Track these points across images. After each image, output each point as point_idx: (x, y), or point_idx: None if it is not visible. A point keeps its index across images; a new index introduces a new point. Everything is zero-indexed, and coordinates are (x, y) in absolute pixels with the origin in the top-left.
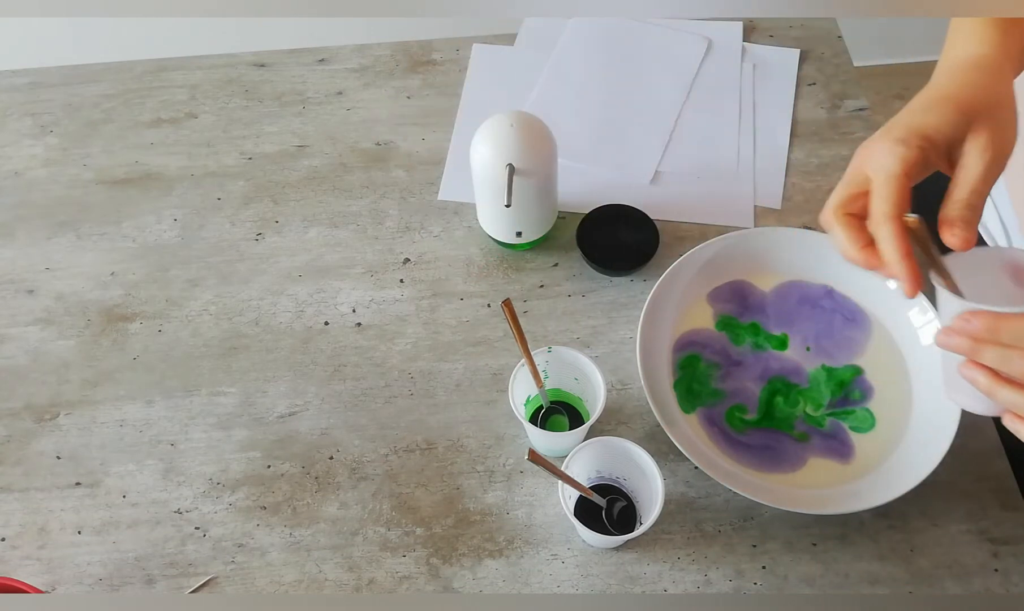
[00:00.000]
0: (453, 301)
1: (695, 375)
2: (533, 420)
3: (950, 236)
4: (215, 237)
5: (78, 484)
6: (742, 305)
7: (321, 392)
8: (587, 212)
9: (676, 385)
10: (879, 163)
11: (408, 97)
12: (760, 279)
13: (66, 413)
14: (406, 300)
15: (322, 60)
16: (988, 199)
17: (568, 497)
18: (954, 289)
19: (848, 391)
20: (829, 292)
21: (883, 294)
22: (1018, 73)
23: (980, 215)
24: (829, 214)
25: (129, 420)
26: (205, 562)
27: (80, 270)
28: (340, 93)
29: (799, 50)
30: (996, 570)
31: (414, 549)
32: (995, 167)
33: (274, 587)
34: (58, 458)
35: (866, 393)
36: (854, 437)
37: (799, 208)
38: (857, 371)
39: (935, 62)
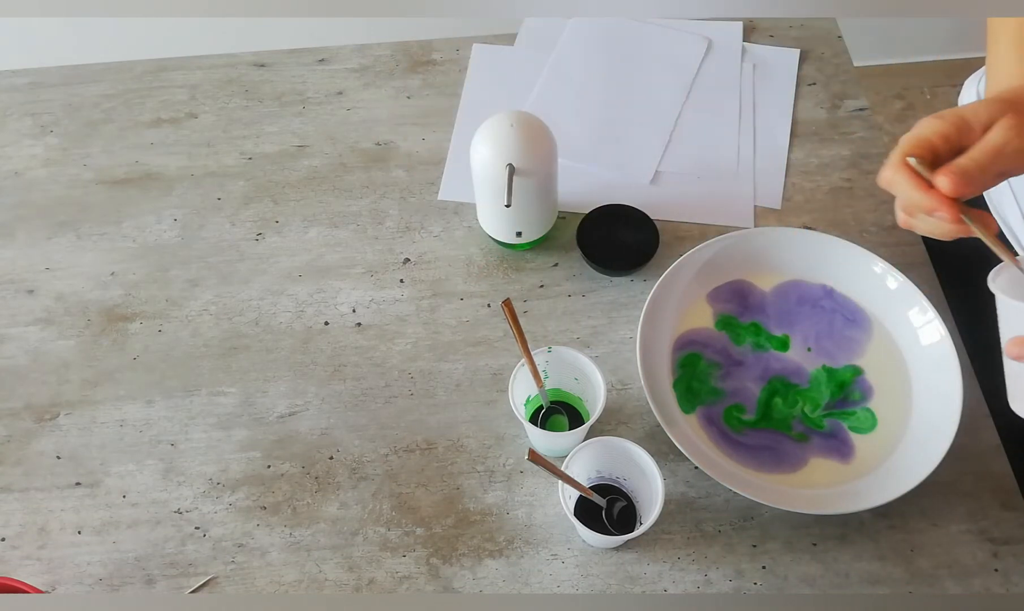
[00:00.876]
0: (453, 301)
1: (695, 374)
2: (533, 420)
3: (942, 177)
4: (215, 237)
5: (78, 484)
6: (742, 305)
7: (321, 392)
8: (587, 212)
9: (676, 384)
10: (913, 130)
11: (408, 97)
12: (760, 279)
13: (66, 413)
14: (406, 300)
15: (322, 60)
16: (1013, 198)
17: (568, 497)
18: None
19: (848, 392)
20: (829, 292)
21: (883, 294)
22: None
23: (979, 180)
24: (890, 168)
25: (129, 420)
26: (205, 562)
27: (80, 270)
28: (340, 93)
29: (799, 50)
30: (996, 570)
31: (414, 549)
32: (1019, 151)
33: (274, 587)
34: (58, 458)
35: (866, 393)
36: (854, 437)
37: (799, 208)
38: (857, 371)
39: (935, 62)
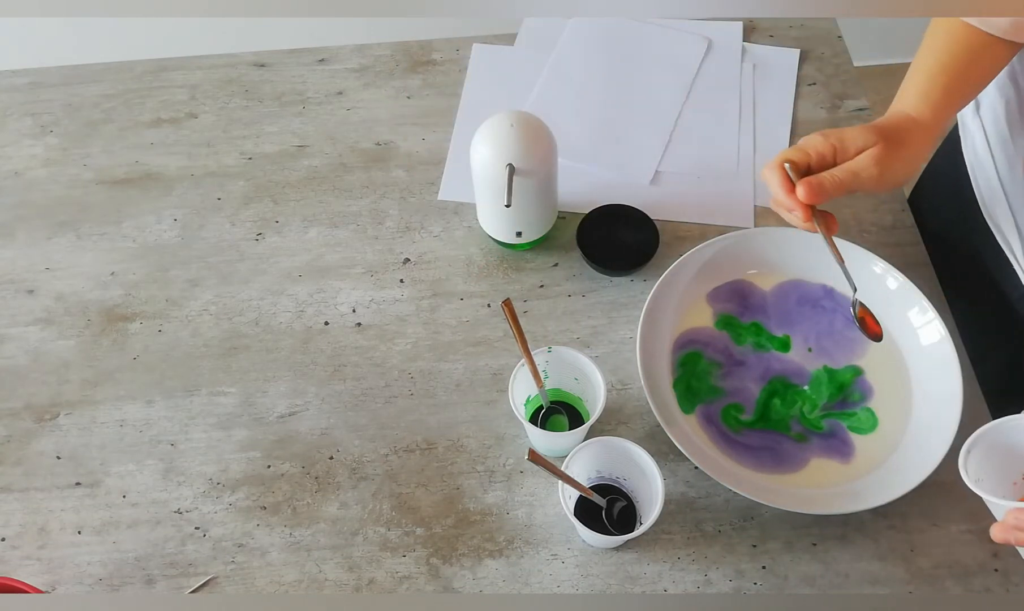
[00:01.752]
0: (453, 301)
1: (695, 372)
2: (533, 420)
3: (800, 186)
4: (215, 237)
5: (78, 484)
6: (742, 305)
7: (321, 392)
8: (587, 212)
9: (676, 384)
10: (800, 140)
11: (408, 97)
12: (760, 279)
13: (66, 413)
14: (406, 300)
15: (322, 60)
16: (1006, 202)
17: (568, 497)
18: (840, 259)
19: (848, 393)
20: (829, 292)
21: (883, 294)
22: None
23: (832, 194)
24: (768, 167)
25: (129, 420)
26: (205, 562)
27: (80, 270)
28: (340, 93)
29: (799, 50)
30: (996, 570)
31: (414, 549)
32: (873, 178)
33: (274, 587)
34: (58, 458)
35: (866, 394)
36: (854, 437)
37: None
38: (857, 372)
39: None
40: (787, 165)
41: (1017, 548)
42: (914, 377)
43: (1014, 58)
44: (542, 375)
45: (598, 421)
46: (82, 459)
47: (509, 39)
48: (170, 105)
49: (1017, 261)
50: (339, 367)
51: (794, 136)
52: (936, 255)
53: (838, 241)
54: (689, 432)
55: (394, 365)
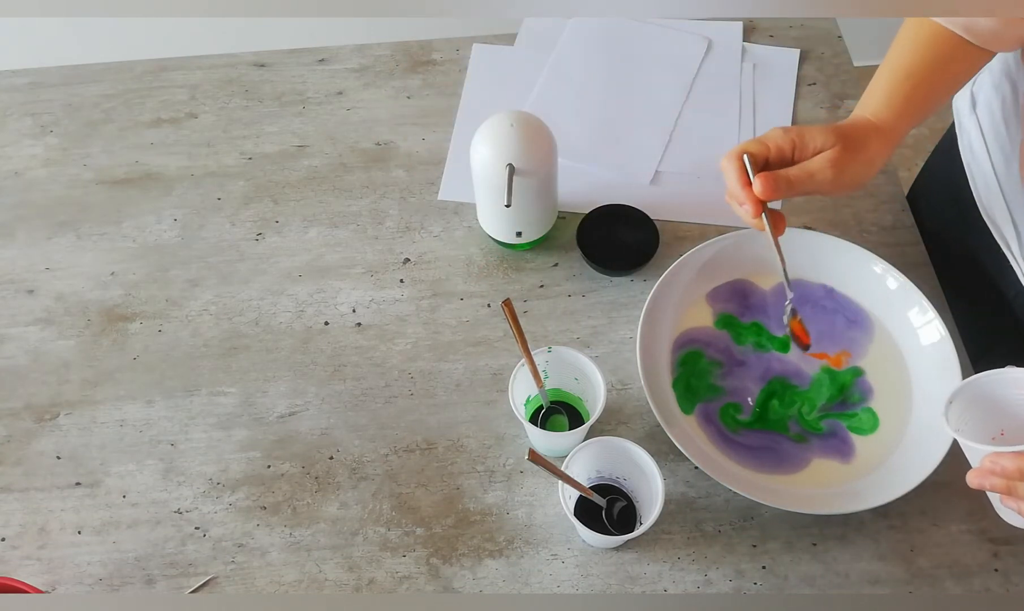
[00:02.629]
0: (453, 301)
1: (694, 371)
2: (533, 420)
3: (757, 179)
4: (215, 237)
5: (78, 484)
6: (743, 305)
7: (321, 392)
8: (587, 212)
9: (675, 383)
10: (762, 134)
11: (408, 97)
12: (760, 279)
13: (66, 413)
14: (406, 300)
15: (322, 60)
16: (1003, 200)
17: (568, 497)
18: (783, 260)
19: (848, 394)
20: (829, 292)
21: (883, 294)
22: (902, 136)
23: (786, 192)
24: (727, 157)
25: (129, 420)
26: (205, 562)
27: (80, 270)
28: (340, 93)
29: (799, 50)
30: (996, 570)
31: (414, 549)
32: (828, 181)
33: (274, 587)
34: (58, 458)
35: (865, 394)
36: (855, 437)
37: (799, 208)
38: (857, 373)
39: None
40: (745, 157)
41: (993, 503)
42: (914, 377)
43: (1010, 55)
44: (542, 375)
45: (598, 421)
46: (82, 459)
47: (509, 39)
48: (170, 105)
49: (1015, 258)
50: (339, 367)
51: None
52: (935, 254)
53: (834, 238)
54: (689, 432)
55: (394, 365)
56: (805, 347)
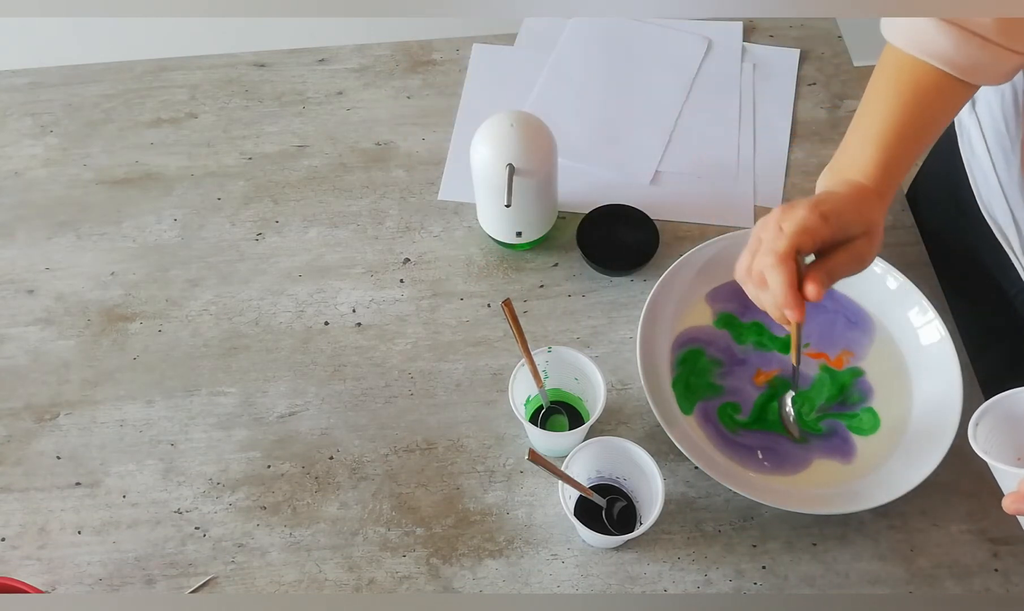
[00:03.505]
0: (453, 301)
1: (694, 369)
2: (533, 420)
3: (813, 286)
4: (215, 237)
5: (78, 484)
6: (743, 305)
7: (321, 392)
8: (587, 212)
9: (675, 383)
10: (800, 223)
11: (408, 97)
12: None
13: (66, 413)
14: (406, 300)
15: (322, 60)
16: (1004, 201)
17: (568, 497)
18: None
19: (847, 395)
20: (830, 292)
21: (883, 294)
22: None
23: (829, 287)
24: (778, 257)
25: (129, 420)
26: (205, 562)
27: (80, 270)
28: (340, 93)
29: (799, 50)
30: (996, 570)
31: (414, 549)
32: (848, 274)
33: (274, 587)
34: (58, 458)
35: (865, 394)
36: (855, 437)
37: None
38: (857, 373)
39: None
40: (807, 259)
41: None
42: (914, 377)
43: None
44: (542, 375)
45: (598, 421)
46: (82, 459)
47: (509, 39)
48: (170, 105)
49: (1016, 257)
50: (339, 367)
51: (794, 136)
52: (935, 254)
53: None
54: (689, 432)
55: (394, 365)
56: (793, 439)
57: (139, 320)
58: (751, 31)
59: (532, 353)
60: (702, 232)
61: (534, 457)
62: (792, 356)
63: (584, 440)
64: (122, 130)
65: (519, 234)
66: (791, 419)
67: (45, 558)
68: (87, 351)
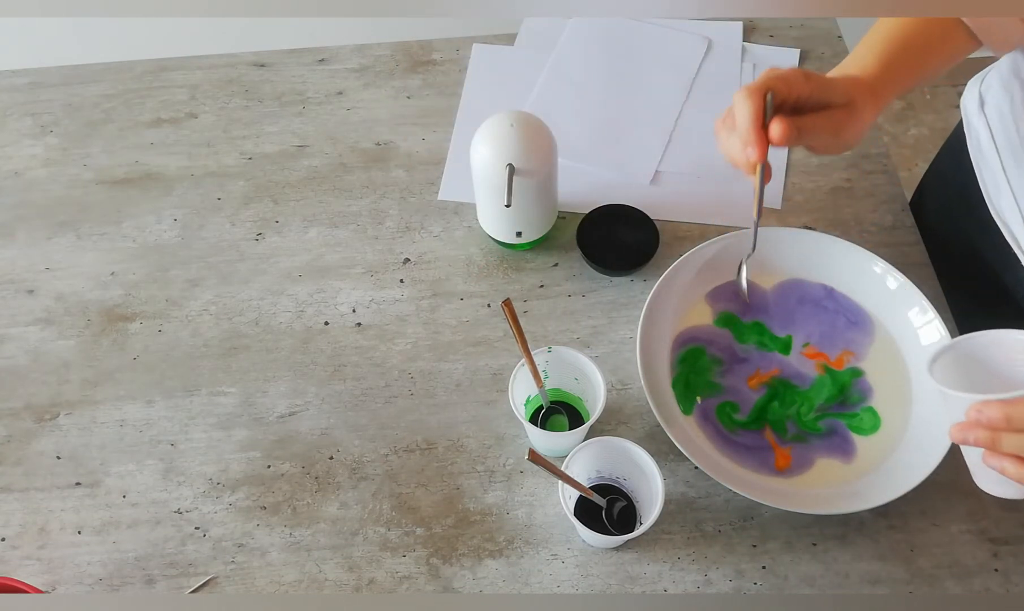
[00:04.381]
0: (453, 301)
1: (694, 367)
2: (533, 420)
3: (778, 125)
4: (215, 237)
5: (78, 484)
6: (743, 304)
7: (321, 392)
8: (587, 212)
9: (675, 382)
10: (784, 71)
11: (408, 97)
12: (760, 279)
13: (66, 413)
14: (406, 300)
15: (322, 60)
16: (1012, 198)
17: (568, 497)
18: (758, 213)
19: (847, 395)
20: (829, 292)
21: (883, 294)
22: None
23: (797, 143)
24: (747, 91)
25: (129, 420)
26: (205, 562)
27: (80, 270)
28: (340, 93)
29: (799, 50)
30: (996, 570)
31: (414, 549)
32: (827, 140)
33: (274, 587)
34: (58, 458)
35: (865, 394)
36: (856, 437)
37: (799, 208)
38: (857, 373)
39: None
40: (770, 96)
41: (971, 470)
42: (914, 377)
43: (1019, 54)
44: (542, 375)
45: (598, 421)
46: (82, 459)
47: (509, 39)
48: (170, 105)
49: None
50: (339, 367)
51: None
52: (938, 254)
53: (834, 238)
54: (689, 432)
55: (394, 365)
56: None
57: (139, 320)
58: (751, 31)
59: (532, 353)
60: (702, 232)
61: (534, 457)
62: (753, 207)
63: (584, 440)
64: (122, 130)
65: (519, 234)
66: (743, 285)
67: (45, 558)
68: (87, 351)
